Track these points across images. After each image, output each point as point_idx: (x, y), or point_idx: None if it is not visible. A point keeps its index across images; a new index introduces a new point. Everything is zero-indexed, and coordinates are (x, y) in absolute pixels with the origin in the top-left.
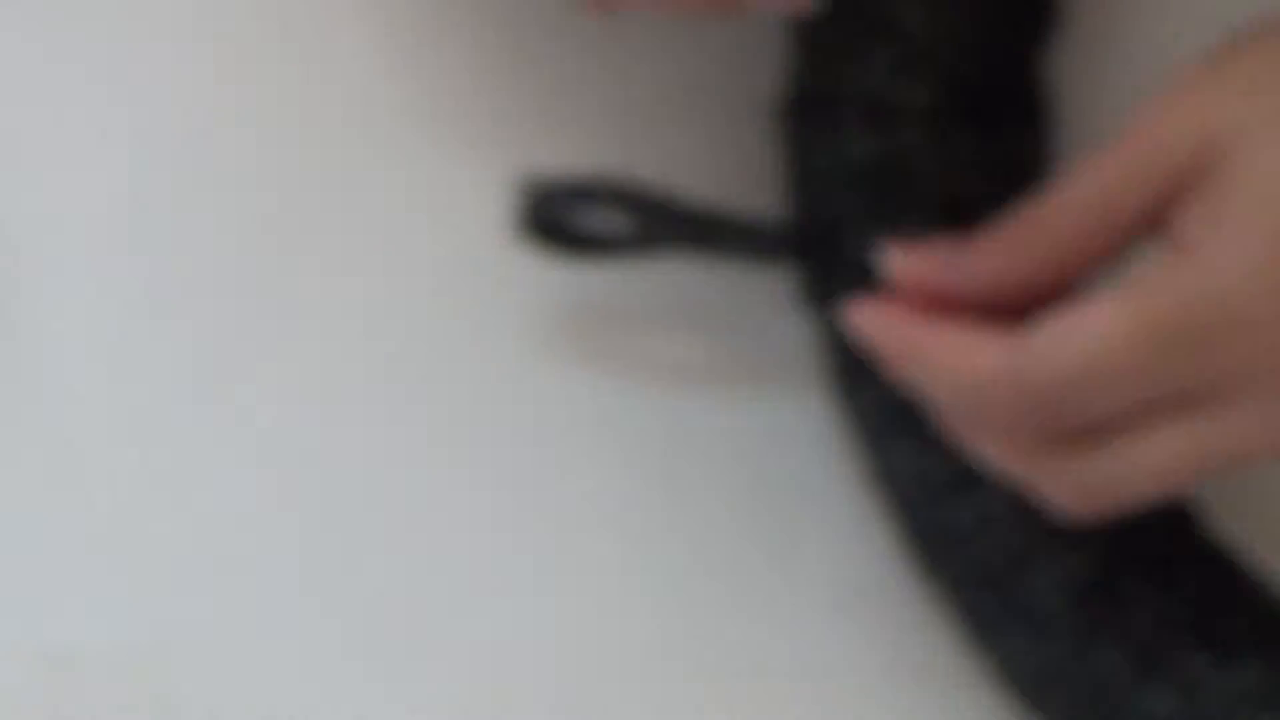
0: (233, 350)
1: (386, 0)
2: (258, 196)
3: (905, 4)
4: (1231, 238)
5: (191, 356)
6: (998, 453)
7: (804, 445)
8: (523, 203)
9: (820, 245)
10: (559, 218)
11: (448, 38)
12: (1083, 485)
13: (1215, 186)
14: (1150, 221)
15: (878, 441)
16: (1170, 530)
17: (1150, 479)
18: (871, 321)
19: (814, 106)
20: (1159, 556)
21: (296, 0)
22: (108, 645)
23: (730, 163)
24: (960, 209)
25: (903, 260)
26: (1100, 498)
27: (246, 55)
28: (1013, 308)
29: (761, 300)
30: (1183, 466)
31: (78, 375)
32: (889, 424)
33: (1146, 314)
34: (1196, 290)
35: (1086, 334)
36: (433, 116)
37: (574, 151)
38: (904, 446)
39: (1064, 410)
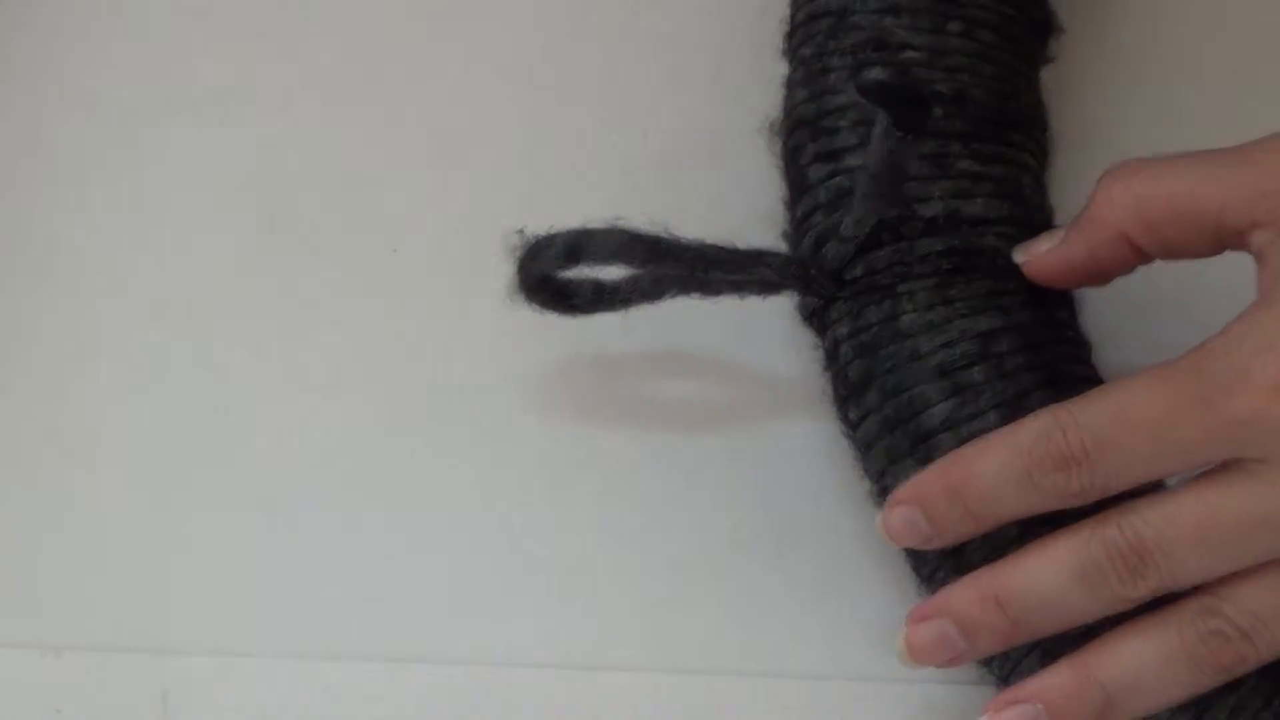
0: (234, 354)
1: (391, 48)
2: (257, 220)
3: (906, 25)
4: None
5: (192, 358)
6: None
7: (804, 467)
8: (519, 263)
9: (820, 270)
10: (556, 277)
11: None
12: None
13: None
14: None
15: (883, 458)
16: None
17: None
18: (908, 500)
19: (814, 127)
20: None
21: (306, 28)
22: (108, 645)
23: (728, 194)
24: (963, 226)
25: None
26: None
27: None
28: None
29: (755, 328)
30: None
31: (78, 374)
32: (888, 445)
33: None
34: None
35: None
36: (435, 163)
37: (574, 192)
38: (903, 467)
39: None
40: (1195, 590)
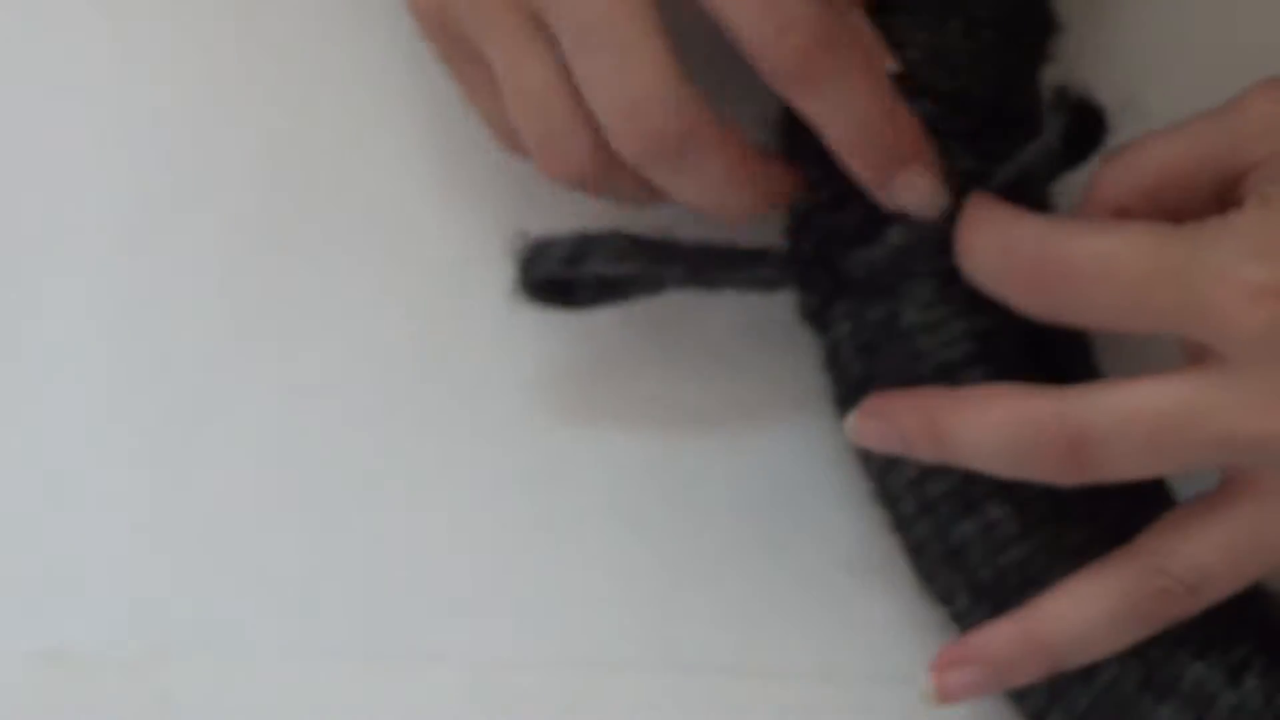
0: (234, 354)
1: (390, 48)
2: (256, 230)
3: (906, 25)
4: None
5: (192, 358)
6: None
7: (803, 467)
8: (521, 267)
9: (821, 269)
10: (558, 278)
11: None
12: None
13: None
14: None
15: (878, 461)
16: None
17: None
18: (884, 414)
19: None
20: None
21: (305, 27)
22: (108, 645)
23: None
24: None
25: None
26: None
27: (251, 76)
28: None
29: (755, 327)
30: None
31: (77, 375)
32: None
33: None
34: None
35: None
36: (435, 163)
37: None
38: (904, 466)
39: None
40: (1140, 541)
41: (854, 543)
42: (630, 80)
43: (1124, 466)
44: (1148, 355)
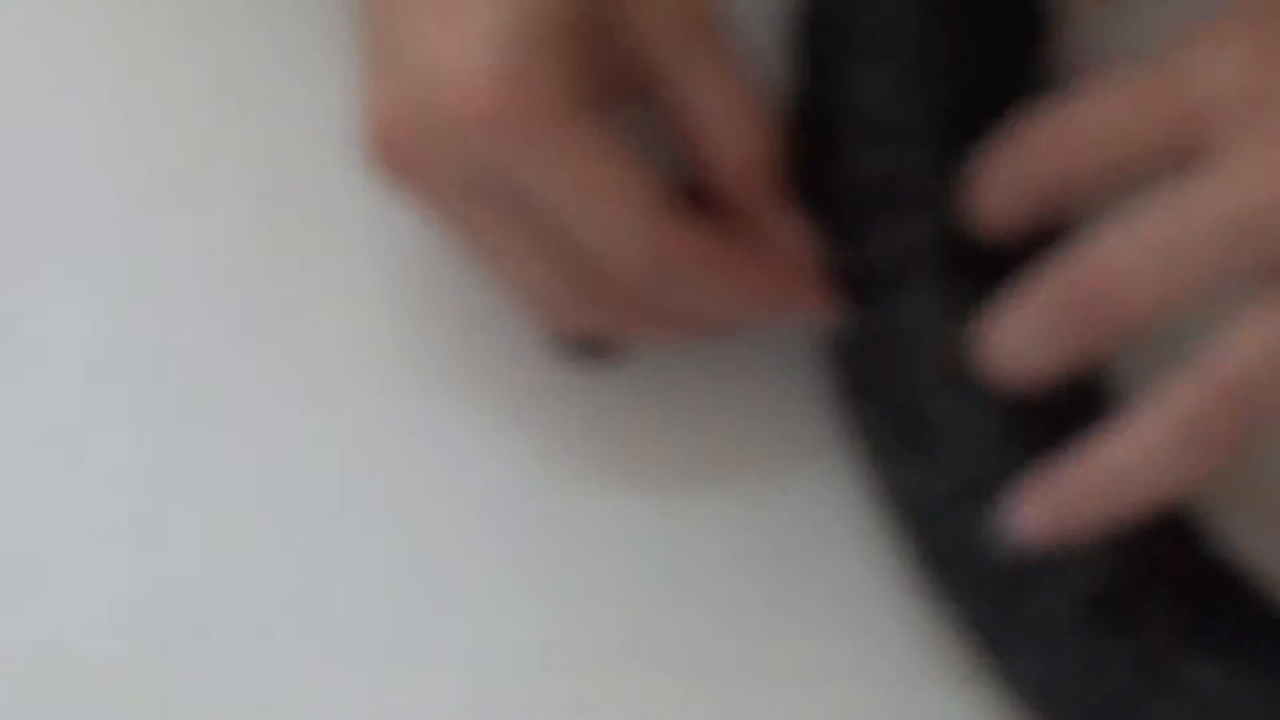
0: (234, 353)
1: None
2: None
3: (904, 20)
4: None
5: (191, 358)
6: None
7: (803, 467)
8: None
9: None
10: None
11: None
12: None
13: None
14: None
15: (884, 458)
16: (1176, 544)
17: None
18: (1053, 499)
19: (814, 126)
20: (1167, 570)
21: (307, 27)
22: (107, 644)
23: None
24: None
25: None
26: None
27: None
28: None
29: (755, 328)
30: None
31: (76, 374)
32: (895, 440)
33: None
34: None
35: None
36: None
37: None
38: (911, 463)
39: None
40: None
41: (856, 544)
42: (606, 220)
43: (1149, 296)
44: (1147, 353)
